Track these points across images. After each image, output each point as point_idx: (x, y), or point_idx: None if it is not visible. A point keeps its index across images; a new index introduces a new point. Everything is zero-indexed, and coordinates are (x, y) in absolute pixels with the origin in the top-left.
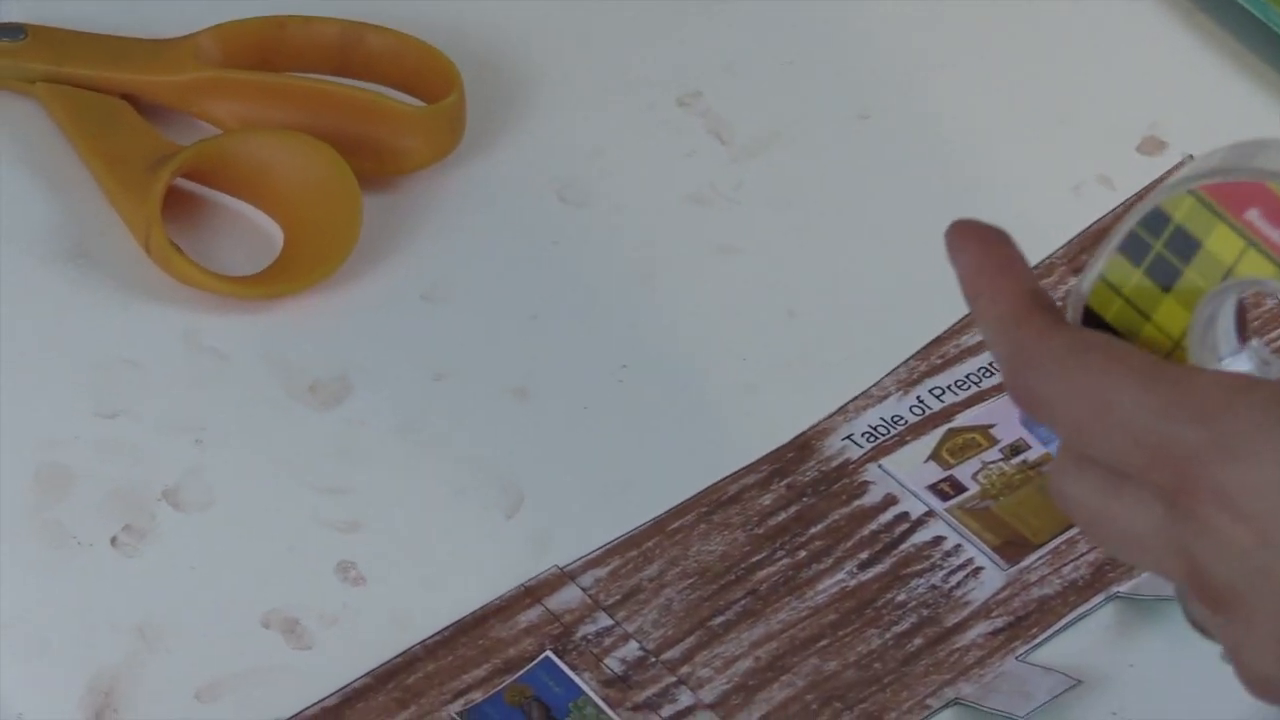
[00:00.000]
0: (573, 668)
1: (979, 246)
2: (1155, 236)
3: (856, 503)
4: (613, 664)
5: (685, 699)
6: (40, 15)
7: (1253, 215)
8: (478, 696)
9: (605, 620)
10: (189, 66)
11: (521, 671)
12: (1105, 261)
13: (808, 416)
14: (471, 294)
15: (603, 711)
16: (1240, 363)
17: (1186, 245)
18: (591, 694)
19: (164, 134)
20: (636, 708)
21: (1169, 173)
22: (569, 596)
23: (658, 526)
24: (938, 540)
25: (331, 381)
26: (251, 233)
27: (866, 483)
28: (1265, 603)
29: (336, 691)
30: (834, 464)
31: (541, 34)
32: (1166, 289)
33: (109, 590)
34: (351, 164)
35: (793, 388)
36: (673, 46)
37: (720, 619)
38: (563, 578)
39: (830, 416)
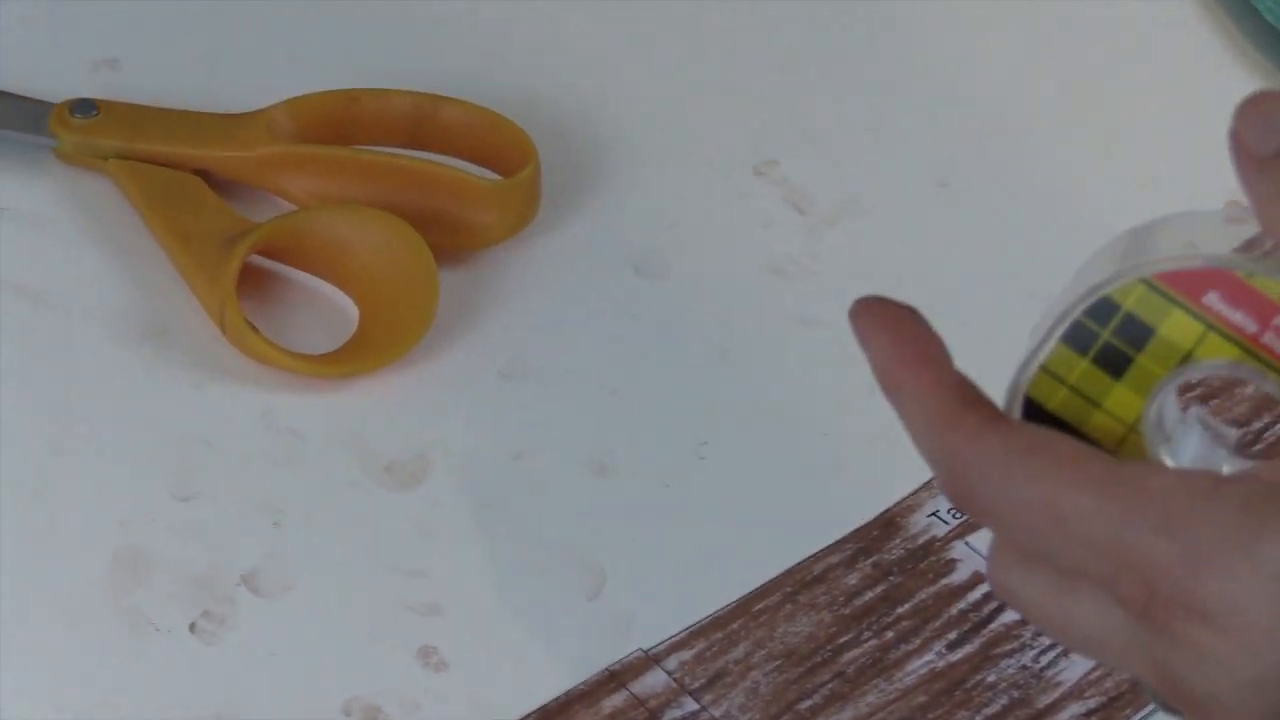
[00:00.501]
0: None
1: (890, 331)
2: (1102, 325)
3: (943, 581)
4: None
5: None
6: (112, 91)
7: (1212, 299)
8: None
9: (691, 705)
10: (262, 141)
11: None
12: (1046, 352)
13: (892, 493)
14: (549, 370)
15: None
16: (1190, 435)
17: (1138, 332)
18: None
19: (238, 210)
20: None
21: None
22: (654, 680)
23: (743, 607)
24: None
25: (409, 461)
26: (327, 310)
27: (953, 560)
28: (1251, 712)
29: None
30: (919, 541)
31: (616, 104)
32: (1117, 376)
33: (189, 678)
34: (426, 239)
35: (877, 464)
36: (748, 115)
37: (808, 702)
38: (647, 661)
39: (915, 493)
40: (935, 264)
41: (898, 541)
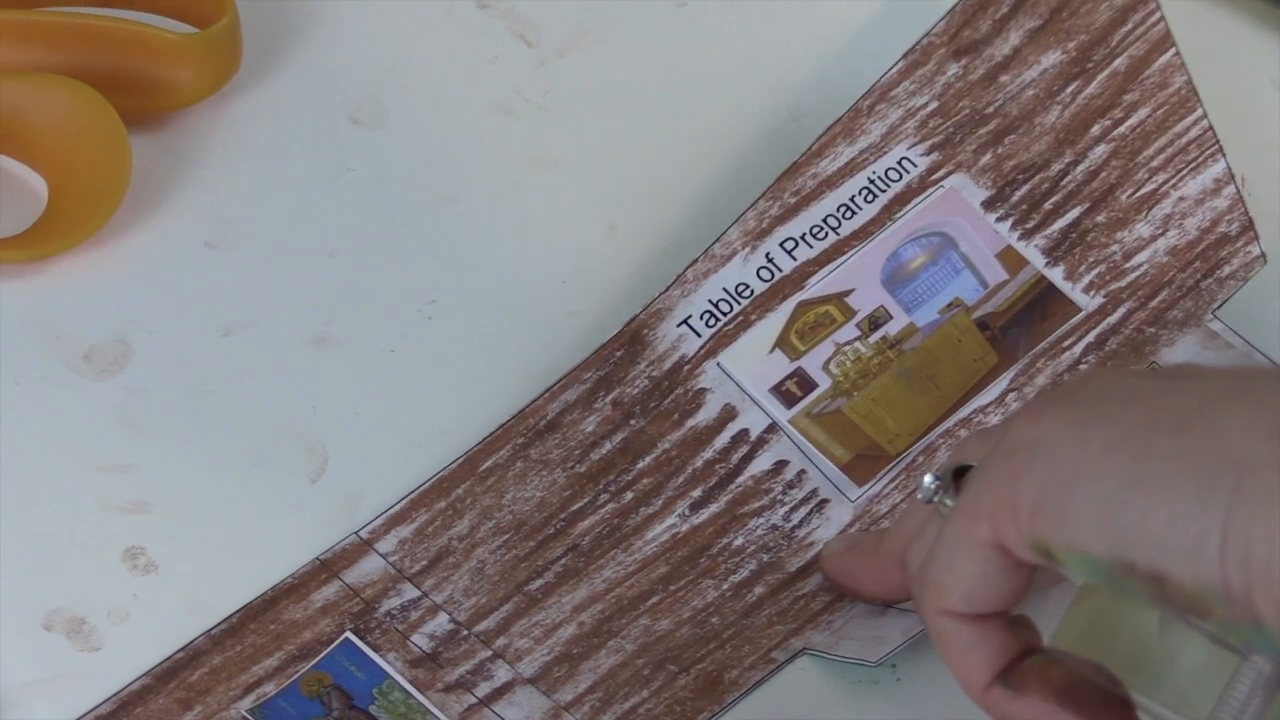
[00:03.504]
0: (375, 649)
1: None
2: None
3: (690, 423)
4: (420, 641)
5: (503, 674)
6: None
7: None
8: (270, 689)
9: (411, 591)
10: None
11: (318, 658)
12: None
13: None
14: (261, 236)
15: (410, 696)
16: None
17: None
18: (398, 677)
19: None
20: (449, 688)
21: None
22: (370, 567)
23: (468, 465)
24: (778, 468)
25: (110, 346)
26: (13, 189)
27: (703, 391)
28: None
29: (112, 697)
30: (667, 365)
31: None
32: None
33: None
34: (119, 103)
35: (618, 310)
36: None
37: (539, 582)
38: (362, 547)
39: (665, 292)
40: (678, 90)
41: (642, 366)
